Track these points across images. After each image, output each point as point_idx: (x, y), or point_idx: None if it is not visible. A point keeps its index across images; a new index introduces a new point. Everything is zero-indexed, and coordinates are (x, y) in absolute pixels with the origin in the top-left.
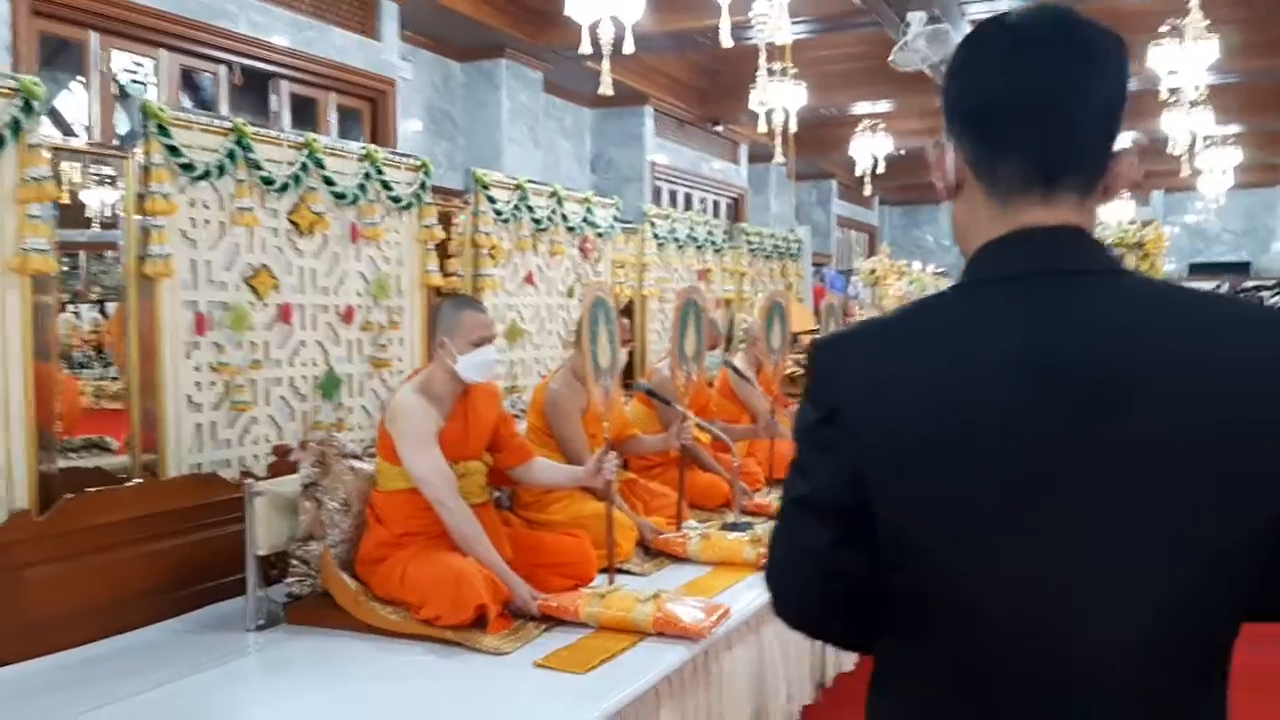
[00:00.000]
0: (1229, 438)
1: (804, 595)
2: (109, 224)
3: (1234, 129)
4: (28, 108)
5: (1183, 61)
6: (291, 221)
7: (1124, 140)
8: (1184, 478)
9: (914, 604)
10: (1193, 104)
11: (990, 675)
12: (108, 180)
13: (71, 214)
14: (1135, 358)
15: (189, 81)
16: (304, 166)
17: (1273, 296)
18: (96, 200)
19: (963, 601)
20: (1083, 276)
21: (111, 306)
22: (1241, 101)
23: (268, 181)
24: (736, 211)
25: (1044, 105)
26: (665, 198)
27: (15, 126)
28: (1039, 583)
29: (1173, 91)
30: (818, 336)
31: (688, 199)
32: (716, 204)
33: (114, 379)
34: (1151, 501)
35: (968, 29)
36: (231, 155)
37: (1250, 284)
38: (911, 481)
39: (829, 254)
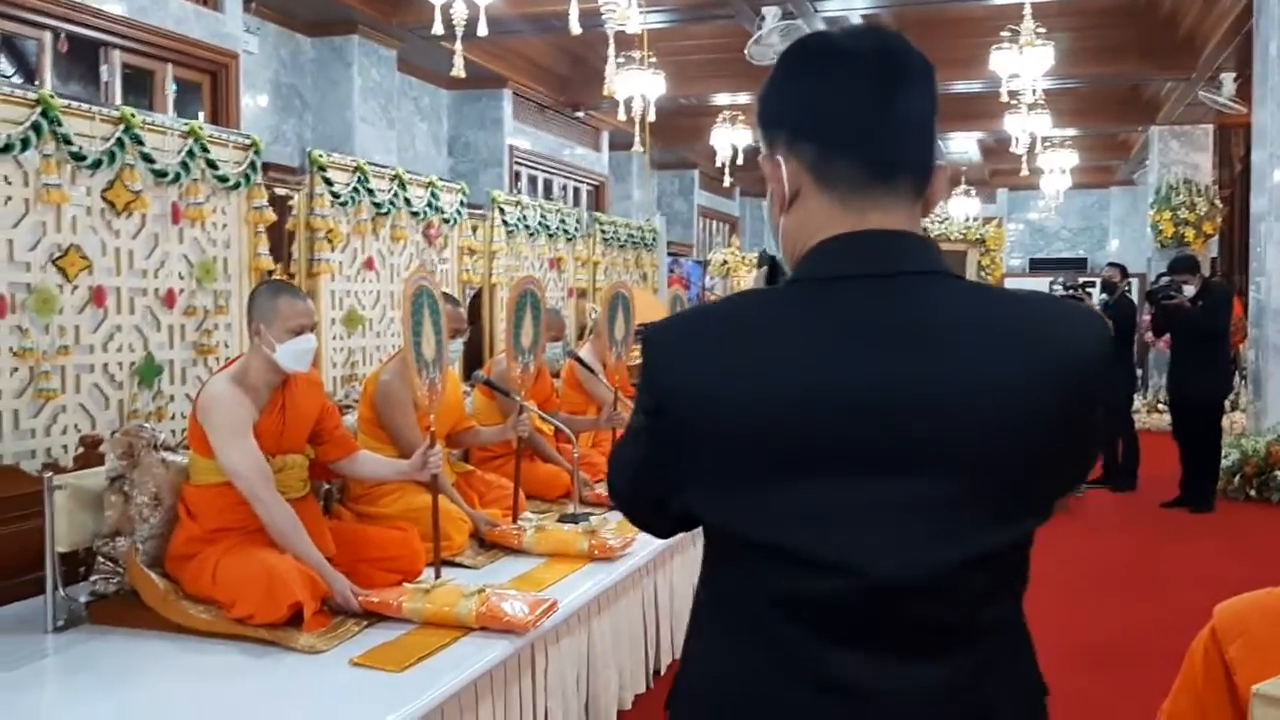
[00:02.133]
0: (981, 441)
1: (627, 502)
2: None
3: (1070, 132)
4: None
5: (1021, 66)
6: (106, 200)
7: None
8: (950, 456)
9: (725, 550)
10: (1030, 107)
11: (793, 608)
12: None
13: None
14: (926, 355)
15: (10, 48)
16: (120, 142)
17: (1101, 293)
18: None
19: (768, 547)
20: (911, 278)
21: None
22: (1076, 106)
23: (79, 157)
24: (598, 199)
25: (873, 112)
26: (525, 183)
27: None
28: (830, 527)
29: (1012, 94)
30: (647, 323)
31: (548, 185)
32: (577, 190)
33: None
34: (924, 471)
35: (821, 26)
36: (37, 128)
37: (1083, 280)
38: (729, 474)
39: (691, 244)
